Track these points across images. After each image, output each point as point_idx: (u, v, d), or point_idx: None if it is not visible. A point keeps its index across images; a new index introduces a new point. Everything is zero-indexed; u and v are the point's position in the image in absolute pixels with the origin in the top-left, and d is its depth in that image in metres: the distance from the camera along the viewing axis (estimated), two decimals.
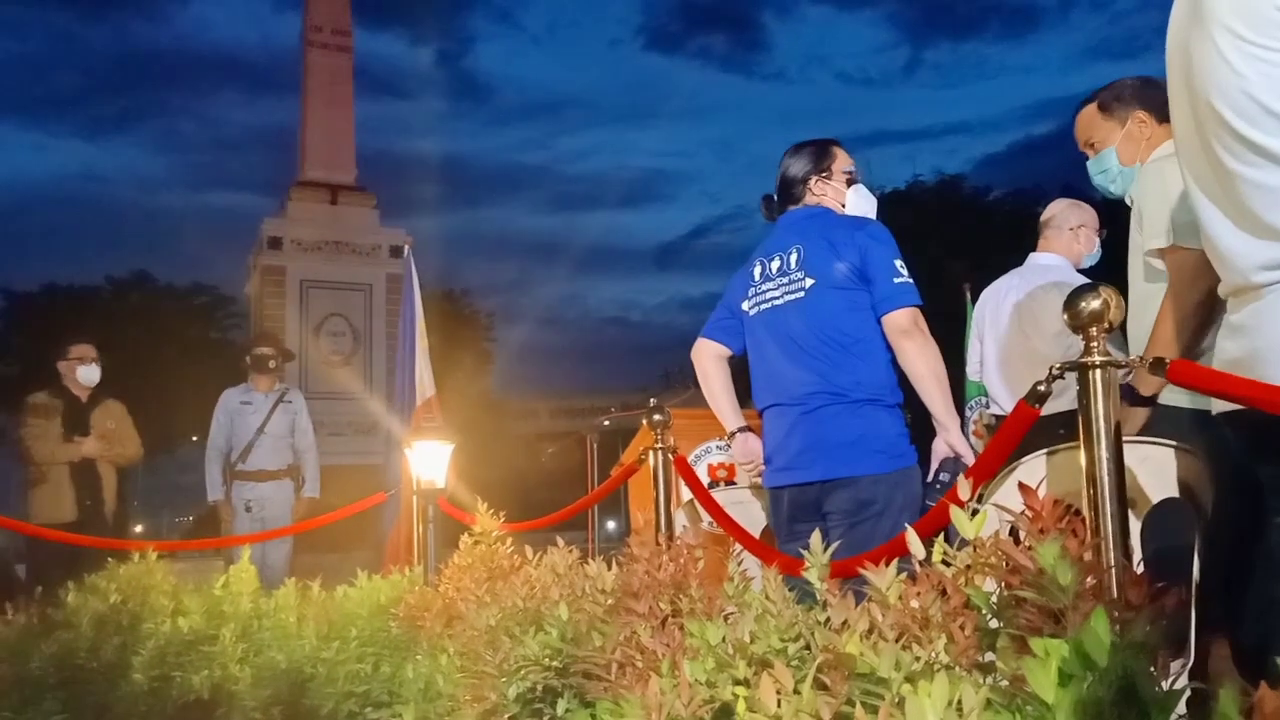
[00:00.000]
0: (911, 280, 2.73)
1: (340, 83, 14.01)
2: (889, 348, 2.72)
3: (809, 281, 2.79)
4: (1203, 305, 2.06)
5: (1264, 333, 1.48)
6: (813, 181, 2.93)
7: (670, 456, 2.71)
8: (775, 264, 2.89)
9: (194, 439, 18.37)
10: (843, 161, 2.98)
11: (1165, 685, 0.93)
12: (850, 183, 2.95)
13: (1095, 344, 1.43)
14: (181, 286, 24.46)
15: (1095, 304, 1.43)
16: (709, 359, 3.03)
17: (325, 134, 13.69)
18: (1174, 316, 2.15)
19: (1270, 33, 1.38)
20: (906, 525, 1.26)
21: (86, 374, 5.61)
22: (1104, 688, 0.90)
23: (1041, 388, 1.58)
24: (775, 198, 3.04)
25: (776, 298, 2.87)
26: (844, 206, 2.93)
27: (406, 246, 6.63)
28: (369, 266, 13.03)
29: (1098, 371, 1.42)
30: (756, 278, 2.94)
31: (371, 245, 13.16)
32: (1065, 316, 1.45)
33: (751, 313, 2.93)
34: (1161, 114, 2.44)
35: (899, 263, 2.73)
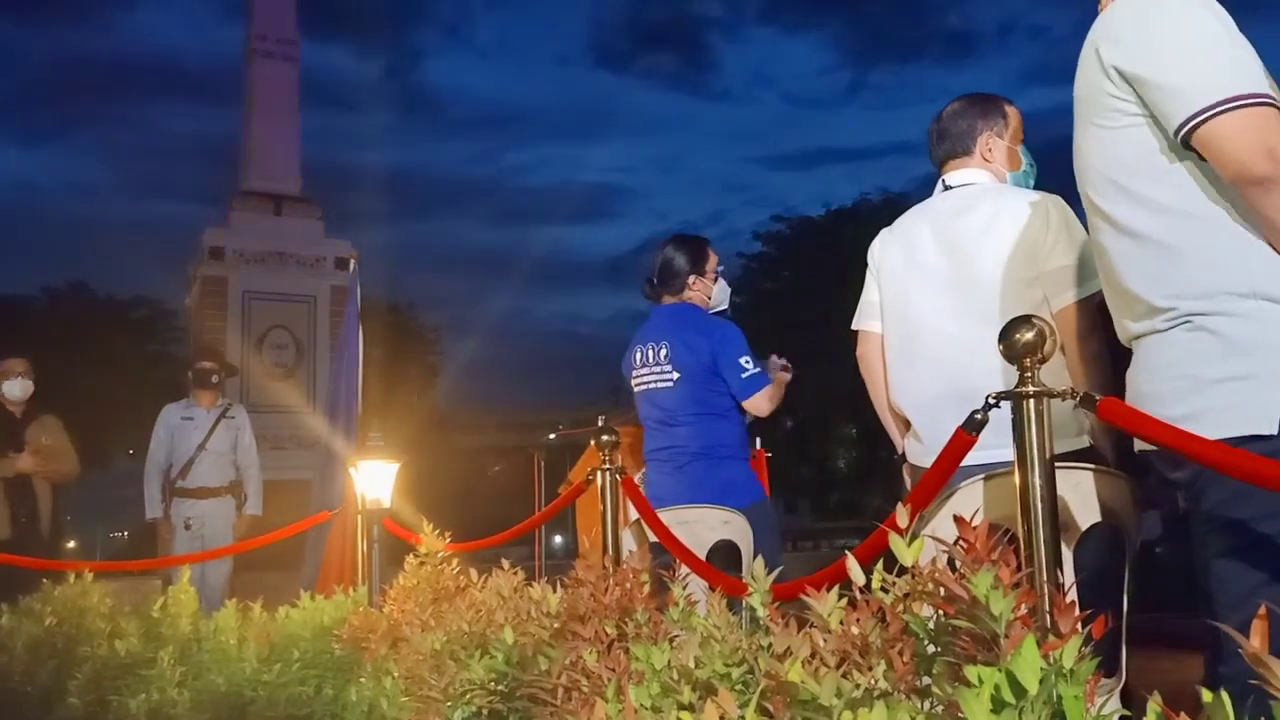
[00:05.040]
0: (758, 370, 3.39)
1: (285, 92, 13.82)
2: (740, 413, 3.45)
3: (675, 375, 3.44)
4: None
5: (1133, 384, 1.68)
6: (691, 280, 3.52)
7: (618, 478, 2.72)
8: (650, 353, 3.54)
9: (130, 453, 17.96)
10: (713, 261, 3.58)
11: (1095, 708, 0.97)
12: (716, 279, 3.57)
13: (1030, 374, 1.48)
14: (120, 298, 23.90)
15: (1030, 335, 1.47)
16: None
17: (269, 143, 13.49)
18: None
19: (1106, 114, 1.63)
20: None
21: (12, 389, 5.47)
22: (1035, 714, 0.93)
23: (979, 416, 1.62)
24: (655, 280, 3.57)
25: (651, 382, 3.51)
26: (709, 299, 3.57)
27: (352, 260, 6.55)
28: (313, 278, 12.85)
29: (1031, 401, 1.46)
30: (637, 362, 3.57)
31: (316, 257, 12.98)
32: (1001, 347, 1.50)
33: (637, 389, 3.60)
34: None
35: (744, 359, 3.38)
